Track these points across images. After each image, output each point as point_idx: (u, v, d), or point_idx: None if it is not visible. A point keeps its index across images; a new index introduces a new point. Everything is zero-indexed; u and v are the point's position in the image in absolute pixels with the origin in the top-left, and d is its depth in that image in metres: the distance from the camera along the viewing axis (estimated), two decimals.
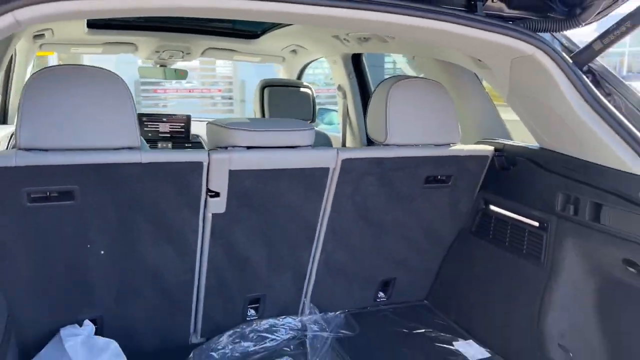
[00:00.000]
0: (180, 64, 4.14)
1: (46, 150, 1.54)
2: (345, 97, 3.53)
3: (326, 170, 1.92)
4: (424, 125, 2.02)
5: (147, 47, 3.65)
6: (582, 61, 1.66)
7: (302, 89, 3.58)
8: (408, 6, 1.55)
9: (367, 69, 3.51)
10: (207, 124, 1.95)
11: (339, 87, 3.58)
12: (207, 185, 1.78)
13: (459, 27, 1.63)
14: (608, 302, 1.75)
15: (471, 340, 2.16)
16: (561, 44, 1.71)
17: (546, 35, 1.69)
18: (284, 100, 3.49)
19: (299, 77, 4.18)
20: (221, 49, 3.87)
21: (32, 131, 1.52)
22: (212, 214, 1.85)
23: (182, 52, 3.82)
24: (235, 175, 1.79)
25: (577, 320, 1.82)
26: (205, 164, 1.73)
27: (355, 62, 3.46)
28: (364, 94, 3.53)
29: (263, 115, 3.46)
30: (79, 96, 1.56)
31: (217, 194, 1.81)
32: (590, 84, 1.67)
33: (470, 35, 1.66)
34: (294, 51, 3.83)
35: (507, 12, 1.70)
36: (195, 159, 1.72)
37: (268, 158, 1.82)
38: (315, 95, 3.59)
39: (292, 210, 1.98)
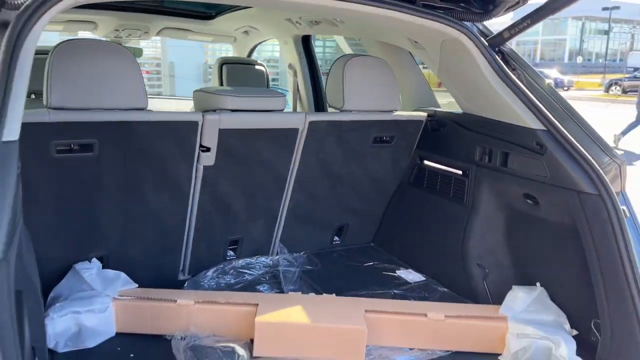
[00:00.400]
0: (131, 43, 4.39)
1: (72, 109, 1.86)
2: (295, 75, 3.94)
3: (296, 130, 2.35)
4: (373, 95, 2.48)
5: (107, 26, 3.87)
6: (494, 44, 2.17)
7: (256, 67, 3.96)
8: None
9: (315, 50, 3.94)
10: (194, 91, 2.32)
11: (290, 66, 3.98)
12: (200, 142, 2.15)
13: (402, 15, 2.08)
14: (513, 229, 2.31)
15: (410, 269, 2.68)
16: (479, 30, 2.21)
17: (468, 24, 2.19)
18: (241, 76, 3.86)
19: (249, 56, 4.54)
20: (177, 28, 4.16)
21: (61, 93, 1.83)
22: (203, 166, 2.23)
23: (140, 31, 4.07)
24: (223, 133, 2.18)
25: (491, 244, 2.37)
26: (200, 123, 2.11)
27: (305, 43, 3.87)
28: (312, 72, 3.95)
29: None
30: (98, 65, 1.89)
31: (208, 149, 2.19)
32: (500, 62, 2.18)
33: (410, 21, 2.12)
34: (246, 32, 4.17)
35: (439, 4, 2.17)
36: (192, 118, 2.10)
37: (250, 119, 2.22)
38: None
39: (267, 164, 2.40)
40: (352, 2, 1.97)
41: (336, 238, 2.91)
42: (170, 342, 1.95)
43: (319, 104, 3.93)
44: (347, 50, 4.09)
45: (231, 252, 2.60)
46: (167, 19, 3.94)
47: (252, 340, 1.94)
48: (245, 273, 2.54)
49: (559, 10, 1.82)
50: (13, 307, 1.08)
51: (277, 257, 2.66)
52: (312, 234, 2.78)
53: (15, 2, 1.38)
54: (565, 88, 28.76)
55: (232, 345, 1.86)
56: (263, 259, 2.63)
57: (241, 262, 2.59)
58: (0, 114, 1.18)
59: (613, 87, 28.98)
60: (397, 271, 2.65)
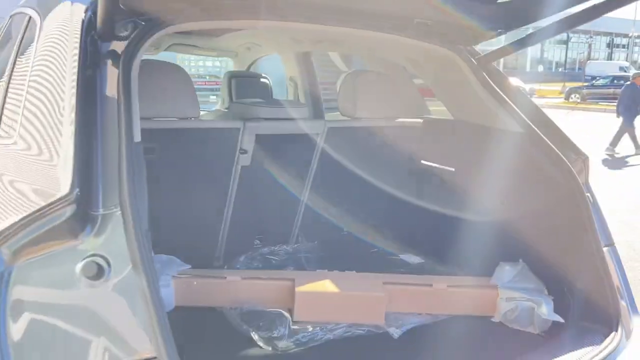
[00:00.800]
0: None
1: (142, 118, 2.24)
2: (296, 87, 4.36)
3: (317, 135, 2.77)
4: (379, 104, 2.92)
5: None
6: (481, 63, 2.64)
7: (261, 79, 4.37)
8: (376, 25, 2.41)
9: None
10: (231, 103, 2.72)
11: (291, 79, 4.40)
12: (240, 145, 2.55)
13: (407, 40, 2.52)
14: (499, 216, 2.76)
15: (411, 254, 3.12)
16: (469, 51, 2.67)
17: (460, 46, 2.65)
18: (248, 88, 4.25)
19: (248, 69, 4.93)
20: (185, 44, 4.53)
21: None
22: (241, 166, 2.62)
23: (152, 47, 4.43)
24: (259, 138, 2.58)
25: (481, 229, 2.82)
26: (241, 130, 2.51)
27: (305, 57, 4.29)
28: (311, 84, 4.36)
29: (231, 99, 4.20)
30: (162, 82, 2.27)
31: (245, 151, 2.59)
32: (487, 77, 2.63)
33: (411, 44, 2.57)
34: (248, 48, 4.58)
35: (435, 29, 2.63)
36: (235, 125, 2.50)
37: (281, 126, 2.63)
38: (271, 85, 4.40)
39: (292, 164, 2.81)
40: (362, 29, 2.40)
41: (345, 230, 3.33)
42: (222, 312, 2.34)
43: (317, 113, 4.34)
44: (342, 65, 4.55)
45: (258, 242, 3.00)
46: (176, 36, 4.30)
47: (289, 310, 2.34)
48: (271, 259, 2.93)
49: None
50: None
51: (297, 245, 3.06)
52: (325, 224, 3.19)
53: (122, 35, 1.77)
54: (528, 96, 29.86)
55: (279, 310, 2.26)
56: (285, 247, 3.03)
57: (266, 250, 2.98)
58: (132, 121, 1.56)
59: (573, 95, 30.28)
60: (400, 255, 3.09)
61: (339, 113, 3.04)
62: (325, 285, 2.38)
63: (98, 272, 1.34)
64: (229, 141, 2.51)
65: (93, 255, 1.35)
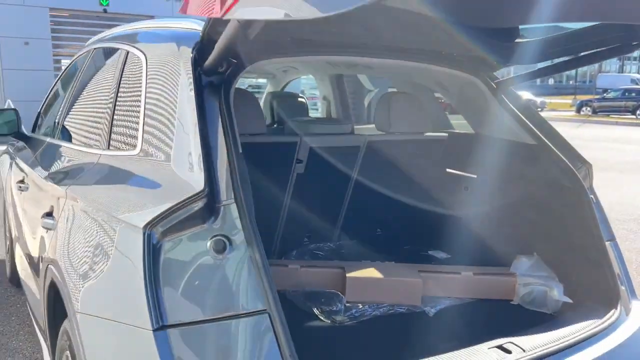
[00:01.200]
0: None
1: None
2: (329, 105, 4.87)
3: (358, 147, 3.26)
4: (410, 120, 3.40)
5: None
6: (500, 87, 3.11)
7: (299, 99, 4.88)
8: (409, 56, 2.89)
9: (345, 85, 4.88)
10: (289, 120, 3.22)
11: (324, 97, 4.92)
12: (297, 156, 3.04)
13: (435, 67, 3.00)
14: (515, 217, 3.22)
15: (438, 250, 3.58)
16: (488, 76, 3.14)
17: (481, 72, 3.12)
18: (287, 106, 4.76)
19: (282, 89, 5.45)
20: None
21: None
22: (297, 173, 3.11)
23: None
24: (312, 150, 3.07)
25: (499, 228, 3.28)
26: (298, 143, 3.00)
27: (337, 79, 4.81)
28: (343, 102, 4.88)
29: (273, 117, 4.72)
30: (239, 104, 2.76)
31: (301, 161, 3.08)
32: (505, 98, 3.10)
33: (438, 70, 3.05)
34: (285, 70, 5.10)
35: (459, 57, 3.11)
36: (293, 140, 2.99)
37: (330, 139, 3.13)
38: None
39: (337, 172, 3.29)
40: (396, 60, 2.87)
41: (379, 230, 3.80)
42: (285, 295, 2.81)
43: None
44: (367, 83, 5.04)
45: (306, 239, 3.48)
46: None
47: (341, 292, 2.80)
48: (318, 254, 3.40)
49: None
50: None
51: (339, 242, 3.54)
52: (362, 226, 3.67)
53: (221, 70, 2.26)
54: (539, 109, 30.24)
55: (334, 290, 2.73)
56: (329, 244, 3.51)
57: (313, 246, 3.46)
58: (236, 137, 2.05)
59: (584, 108, 30.55)
60: (429, 251, 3.55)
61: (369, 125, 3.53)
62: (371, 272, 2.84)
63: (223, 248, 1.82)
64: (288, 153, 3.00)
65: (218, 235, 1.83)
